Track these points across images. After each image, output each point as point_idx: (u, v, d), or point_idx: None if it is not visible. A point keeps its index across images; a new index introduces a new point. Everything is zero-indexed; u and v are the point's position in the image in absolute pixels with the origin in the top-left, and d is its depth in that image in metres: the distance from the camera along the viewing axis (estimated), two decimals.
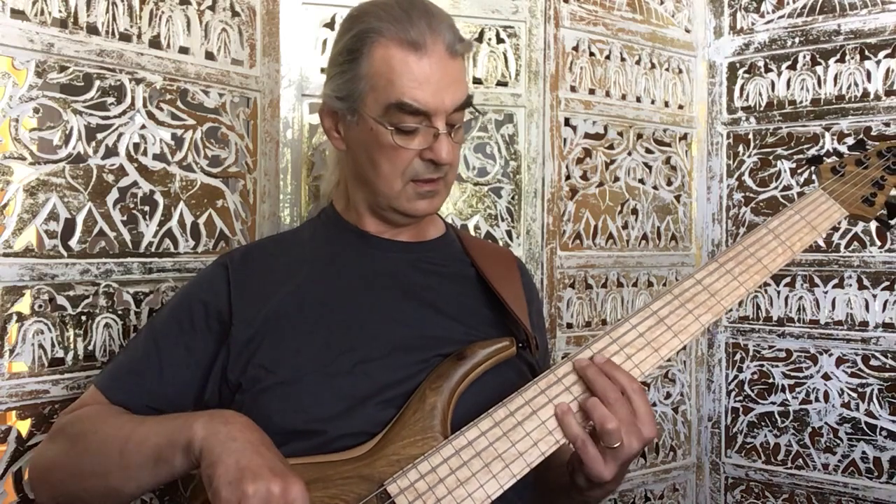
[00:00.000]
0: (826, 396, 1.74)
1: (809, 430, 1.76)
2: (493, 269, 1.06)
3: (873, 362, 1.69)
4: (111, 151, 1.20)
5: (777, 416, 1.80)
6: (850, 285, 1.72)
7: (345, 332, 0.94)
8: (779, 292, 1.80)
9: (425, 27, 0.92)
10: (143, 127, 1.24)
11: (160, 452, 0.81)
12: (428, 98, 0.92)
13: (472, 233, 1.54)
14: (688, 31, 1.86)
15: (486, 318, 1.03)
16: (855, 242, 1.71)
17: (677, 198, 1.87)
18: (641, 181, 1.80)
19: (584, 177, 1.71)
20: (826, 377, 1.74)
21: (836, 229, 1.73)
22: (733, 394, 1.86)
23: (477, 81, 1.54)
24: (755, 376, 1.83)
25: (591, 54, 1.70)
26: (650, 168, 1.82)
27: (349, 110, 0.97)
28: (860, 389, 1.70)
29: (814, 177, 1.74)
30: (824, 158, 1.11)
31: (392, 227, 1.04)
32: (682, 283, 0.95)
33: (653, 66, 1.80)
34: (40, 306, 1.14)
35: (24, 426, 1.12)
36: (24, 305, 1.12)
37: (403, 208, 0.99)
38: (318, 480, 0.80)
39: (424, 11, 0.94)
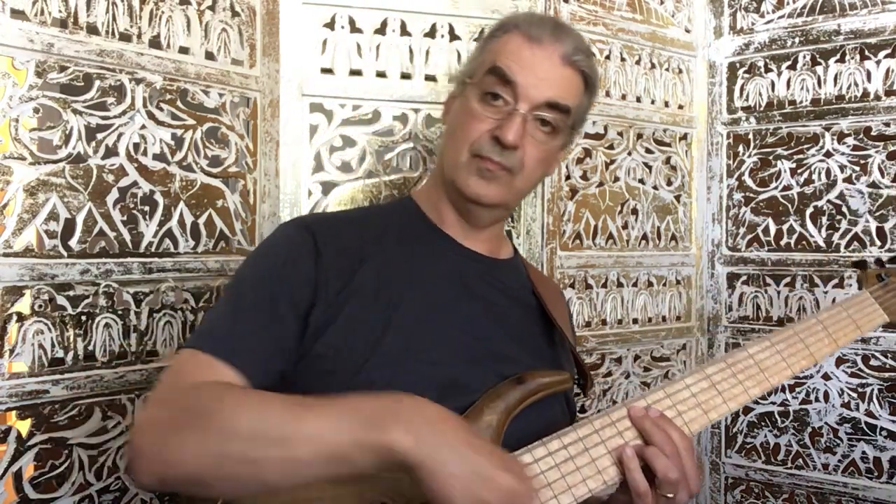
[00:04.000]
0: (826, 396, 1.74)
1: (809, 430, 1.76)
2: (551, 304, 1.10)
3: (873, 362, 1.69)
4: (111, 151, 1.21)
5: (777, 416, 1.80)
6: (850, 285, 1.71)
7: (416, 330, 0.95)
8: (779, 292, 1.80)
9: (549, 30, 1.01)
10: (143, 127, 1.24)
11: (339, 451, 0.75)
12: (519, 73, 0.98)
13: None
14: (688, 31, 1.86)
15: (543, 350, 1.07)
16: (855, 242, 1.71)
17: (677, 198, 1.87)
18: (641, 181, 1.81)
19: (584, 177, 1.71)
20: (826, 377, 1.74)
21: (835, 229, 1.74)
22: None
23: None
24: None
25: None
26: (650, 168, 1.82)
27: (465, 85, 1.04)
28: (860, 389, 1.70)
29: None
30: (869, 264, 1.25)
31: (466, 228, 1.06)
32: (736, 354, 1.02)
33: (653, 66, 1.80)
34: (40, 306, 1.14)
35: (24, 426, 1.12)
36: (24, 305, 1.12)
37: (461, 181, 1.01)
38: (368, 478, 0.79)
39: (558, 24, 1.04)
